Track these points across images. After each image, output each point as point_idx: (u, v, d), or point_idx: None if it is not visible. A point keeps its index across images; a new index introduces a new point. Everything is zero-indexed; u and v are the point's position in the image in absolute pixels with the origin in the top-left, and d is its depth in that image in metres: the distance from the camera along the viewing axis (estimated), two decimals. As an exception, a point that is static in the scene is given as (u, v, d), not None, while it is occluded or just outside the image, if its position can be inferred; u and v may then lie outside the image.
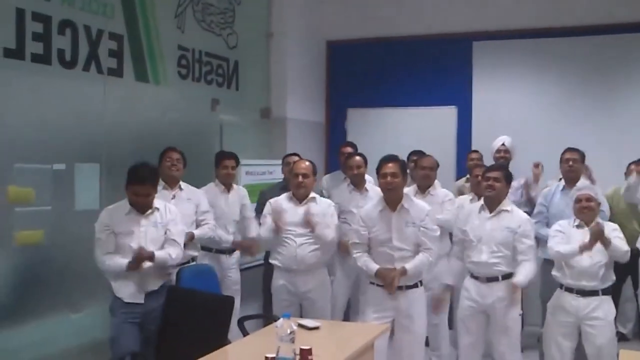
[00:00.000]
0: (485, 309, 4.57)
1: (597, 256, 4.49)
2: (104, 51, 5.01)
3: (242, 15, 6.85)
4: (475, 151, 6.56)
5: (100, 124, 4.89)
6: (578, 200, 4.67)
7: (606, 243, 4.43)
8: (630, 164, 6.02)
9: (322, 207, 4.95)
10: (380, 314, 4.43)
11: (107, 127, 4.92)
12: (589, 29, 7.07)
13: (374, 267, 4.44)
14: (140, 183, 4.14)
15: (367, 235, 4.50)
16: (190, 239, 4.83)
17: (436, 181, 5.54)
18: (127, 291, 4.14)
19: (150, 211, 4.24)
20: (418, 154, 6.11)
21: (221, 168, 5.50)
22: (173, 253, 4.22)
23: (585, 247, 4.46)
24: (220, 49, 6.54)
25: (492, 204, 4.62)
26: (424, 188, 5.42)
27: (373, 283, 4.49)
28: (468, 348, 4.68)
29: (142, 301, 4.13)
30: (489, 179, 4.61)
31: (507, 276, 4.53)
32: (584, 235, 4.54)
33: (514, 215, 4.61)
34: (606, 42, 7.04)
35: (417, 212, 4.47)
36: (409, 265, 4.39)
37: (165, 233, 4.26)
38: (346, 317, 5.84)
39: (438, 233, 4.59)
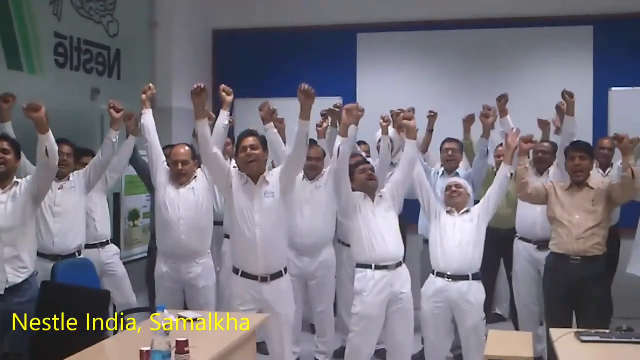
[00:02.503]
0: (392, 296, 4.58)
1: (466, 236, 4.65)
2: (-28, 38, 4.79)
3: (124, 3, 6.69)
4: None
5: (-31, 115, 4.63)
6: (448, 188, 4.87)
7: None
8: (498, 146, 6.14)
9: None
10: (246, 307, 4.33)
11: (-23, 118, 4.67)
12: (472, 22, 7.33)
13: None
14: None
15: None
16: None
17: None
18: None
19: (9, 186, 4.15)
20: (305, 143, 6.15)
21: None
22: None
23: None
24: (100, 37, 6.37)
25: (373, 193, 4.73)
26: (311, 178, 5.47)
27: (237, 273, 4.40)
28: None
29: (2, 292, 3.97)
30: (365, 171, 4.73)
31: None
32: (454, 221, 4.71)
33: (386, 193, 4.76)
34: (488, 35, 7.34)
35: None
36: None
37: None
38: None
39: None
